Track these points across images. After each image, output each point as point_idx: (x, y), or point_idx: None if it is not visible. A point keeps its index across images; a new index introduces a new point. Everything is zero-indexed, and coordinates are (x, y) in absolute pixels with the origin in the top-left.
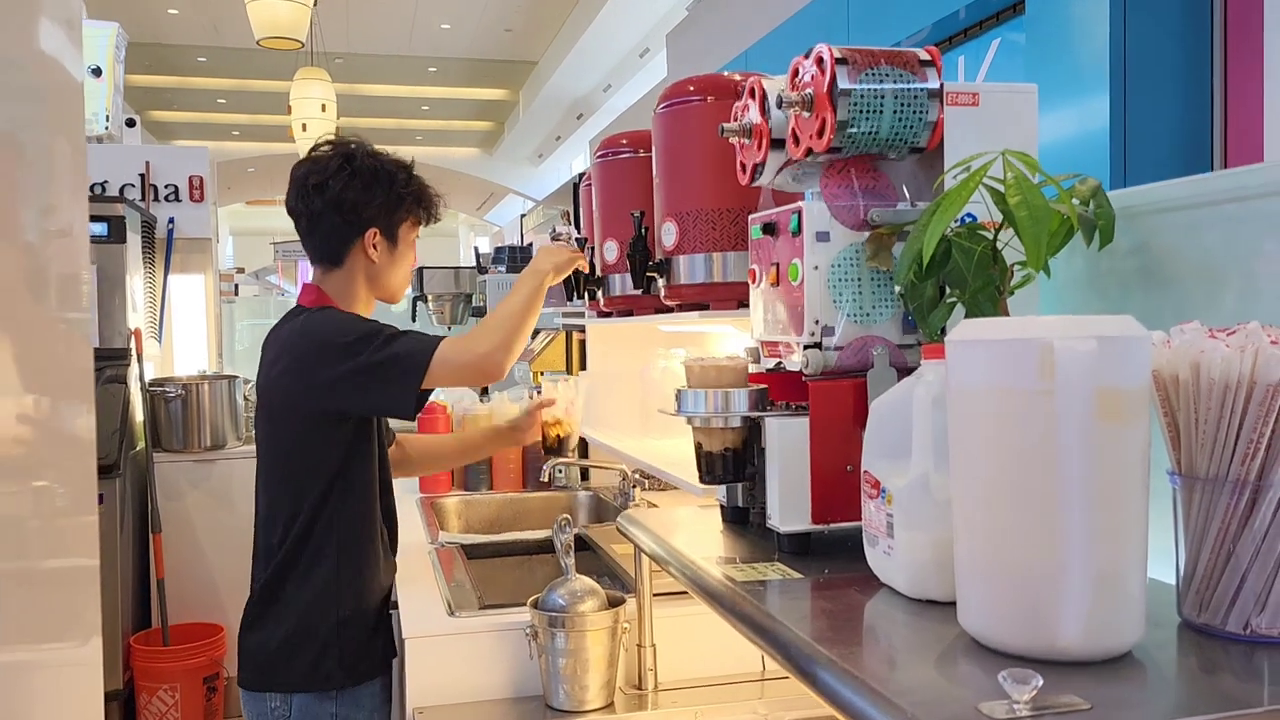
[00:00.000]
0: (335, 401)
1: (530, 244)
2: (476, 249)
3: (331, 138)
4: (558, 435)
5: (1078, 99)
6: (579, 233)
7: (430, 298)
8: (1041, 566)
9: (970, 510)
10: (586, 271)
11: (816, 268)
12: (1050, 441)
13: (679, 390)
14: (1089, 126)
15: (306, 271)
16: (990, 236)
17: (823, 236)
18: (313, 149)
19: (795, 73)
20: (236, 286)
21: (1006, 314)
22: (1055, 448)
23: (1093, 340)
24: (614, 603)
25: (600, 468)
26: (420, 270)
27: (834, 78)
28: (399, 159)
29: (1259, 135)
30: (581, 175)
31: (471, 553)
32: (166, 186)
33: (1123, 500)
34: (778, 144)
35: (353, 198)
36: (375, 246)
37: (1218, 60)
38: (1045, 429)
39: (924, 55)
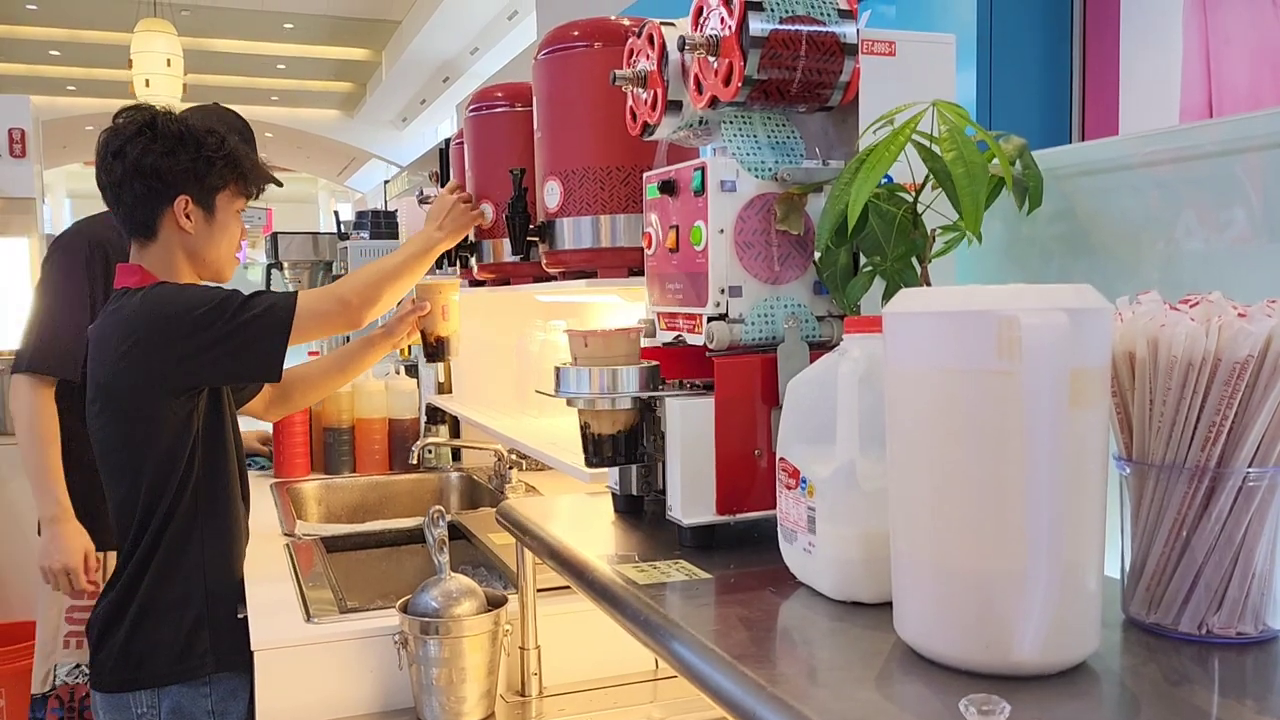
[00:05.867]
0: (199, 375)
1: (395, 210)
2: (337, 213)
3: (136, 104)
4: (438, 337)
5: None
6: None
7: (286, 265)
8: (999, 571)
9: (911, 506)
10: (484, 226)
11: (722, 231)
12: (1012, 430)
13: (559, 367)
14: (957, 99)
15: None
16: (910, 199)
17: (728, 186)
18: (115, 115)
19: (699, 12)
20: None
21: (928, 283)
22: (1019, 437)
23: (1063, 314)
24: (494, 603)
25: (473, 448)
26: (275, 235)
27: (744, 18)
28: (211, 126)
29: (1115, 110)
30: (449, 140)
31: (332, 545)
32: None
33: (1087, 494)
34: (674, 104)
35: (153, 163)
36: (189, 216)
37: (1077, 36)
38: (1006, 415)
39: (841, 3)
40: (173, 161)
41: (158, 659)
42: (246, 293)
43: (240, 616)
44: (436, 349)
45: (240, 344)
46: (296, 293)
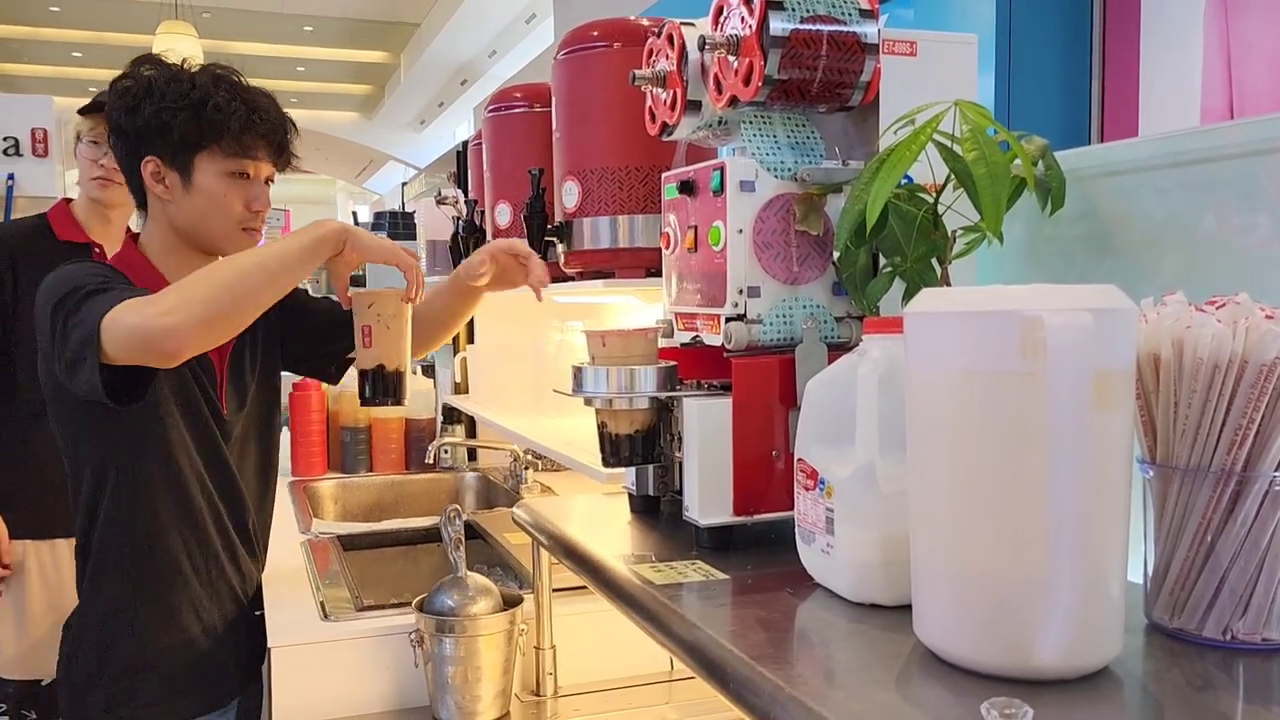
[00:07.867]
0: (55, 380)
1: (413, 211)
2: (355, 214)
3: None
4: (363, 369)
5: None
6: (466, 196)
7: None
8: (1021, 574)
9: (932, 508)
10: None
11: (741, 231)
12: (1035, 432)
13: (576, 366)
14: (976, 100)
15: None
16: (931, 200)
17: (747, 186)
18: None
19: (719, 12)
20: None
21: (948, 284)
22: (1042, 439)
23: (1088, 314)
24: (510, 602)
25: (489, 447)
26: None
27: (765, 18)
28: (197, 72)
29: (1134, 113)
30: (466, 142)
31: (349, 544)
32: (5, 139)
33: (1110, 497)
34: (693, 104)
35: (119, 120)
36: (164, 182)
37: (1096, 38)
38: (1028, 417)
39: (863, 2)
40: (134, 119)
41: (131, 706)
42: (111, 279)
43: (257, 613)
44: (370, 384)
45: (67, 351)
46: (138, 295)
